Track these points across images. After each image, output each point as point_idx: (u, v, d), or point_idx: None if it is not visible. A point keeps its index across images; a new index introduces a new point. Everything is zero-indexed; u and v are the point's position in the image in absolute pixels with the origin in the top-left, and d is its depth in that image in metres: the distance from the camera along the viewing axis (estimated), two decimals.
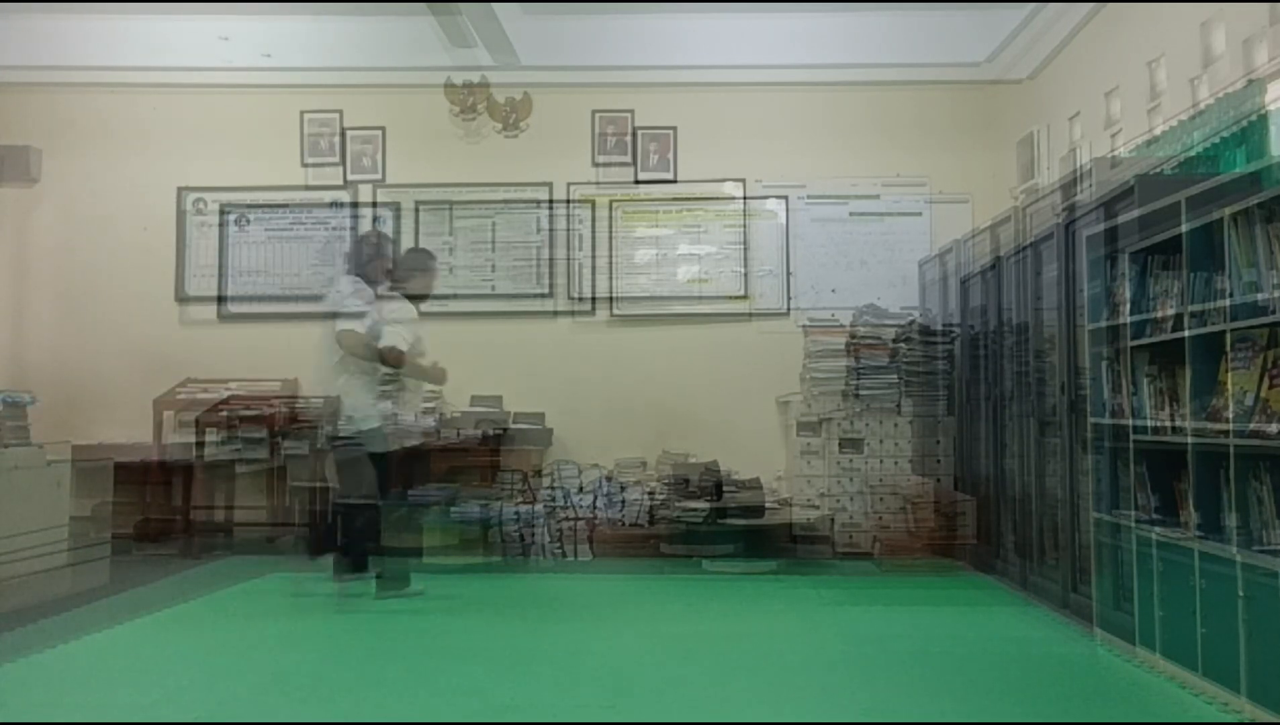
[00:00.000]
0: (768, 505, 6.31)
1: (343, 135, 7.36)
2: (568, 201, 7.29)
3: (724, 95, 7.27)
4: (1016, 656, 4.04)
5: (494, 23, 6.34)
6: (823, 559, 6.11)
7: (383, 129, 7.36)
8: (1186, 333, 3.52)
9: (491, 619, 4.76)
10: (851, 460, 6.29)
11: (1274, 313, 3.09)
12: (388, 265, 5.42)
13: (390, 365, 5.12)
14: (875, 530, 6.21)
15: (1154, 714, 3.30)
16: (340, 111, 7.36)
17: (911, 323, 6.46)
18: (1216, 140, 4.28)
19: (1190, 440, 3.50)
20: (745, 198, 7.27)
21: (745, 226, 7.27)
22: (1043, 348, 5.04)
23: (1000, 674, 3.78)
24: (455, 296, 7.20)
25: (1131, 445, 3.92)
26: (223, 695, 3.52)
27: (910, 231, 7.20)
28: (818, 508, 6.29)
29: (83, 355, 7.20)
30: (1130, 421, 3.94)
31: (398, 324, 5.15)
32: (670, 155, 7.31)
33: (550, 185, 7.29)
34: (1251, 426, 3.17)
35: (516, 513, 6.39)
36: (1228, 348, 3.31)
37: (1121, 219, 4.05)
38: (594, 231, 7.25)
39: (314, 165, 7.36)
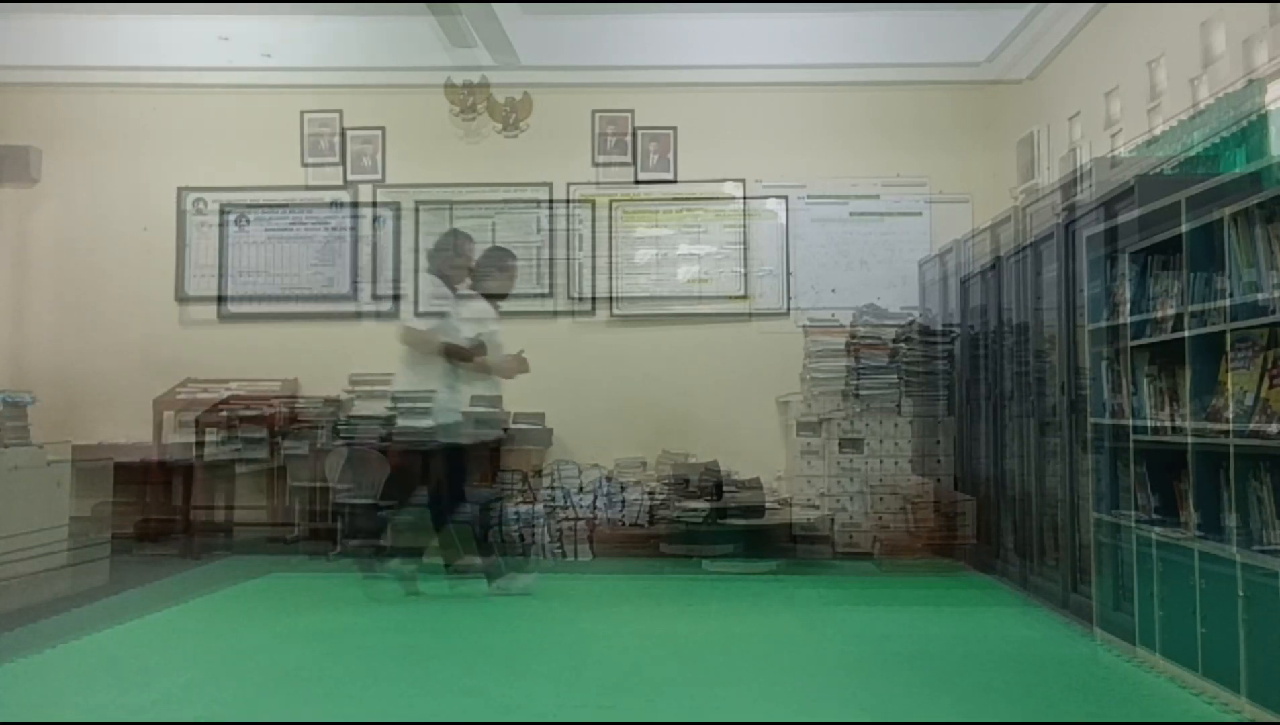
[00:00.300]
0: (768, 505, 6.31)
1: (343, 135, 7.37)
2: (568, 201, 7.29)
3: (724, 95, 7.27)
4: (1016, 656, 4.04)
5: (494, 23, 6.34)
6: (823, 559, 6.11)
7: (383, 129, 7.36)
8: (1186, 333, 3.52)
9: (492, 619, 4.75)
10: (851, 460, 6.29)
11: (1274, 313, 3.09)
12: (468, 265, 5.49)
13: (454, 359, 5.19)
14: (875, 530, 6.21)
15: (1154, 714, 3.29)
16: (340, 111, 7.36)
17: (911, 323, 6.46)
18: (1216, 140, 4.28)
19: (1190, 440, 3.50)
20: (745, 198, 7.27)
21: (745, 226, 7.27)
22: (1043, 348, 5.04)
23: (1000, 674, 3.78)
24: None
25: (1131, 445, 3.92)
26: (223, 695, 3.52)
27: (910, 231, 7.20)
28: (818, 508, 6.29)
29: (83, 355, 7.20)
30: (1130, 421, 3.94)
31: (470, 322, 5.25)
32: (670, 155, 7.32)
33: (550, 185, 7.29)
34: (1251, 426, 3.16)
35: (516, 513, 6.40)
36: (1228, 348, 3.31)
37: (1121, 219, 4.05)
38: (594, 231, 7.25)
39: (314, 165, 7.37)
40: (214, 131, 7.34)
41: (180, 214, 7.35)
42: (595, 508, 6.55)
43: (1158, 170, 4.48)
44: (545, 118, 7.33)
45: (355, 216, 7.33)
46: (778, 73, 7.12)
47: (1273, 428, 3.08)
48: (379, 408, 6.77)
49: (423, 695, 3.51)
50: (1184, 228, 3.53)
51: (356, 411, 6.77)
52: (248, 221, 7.35)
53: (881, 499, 6.25)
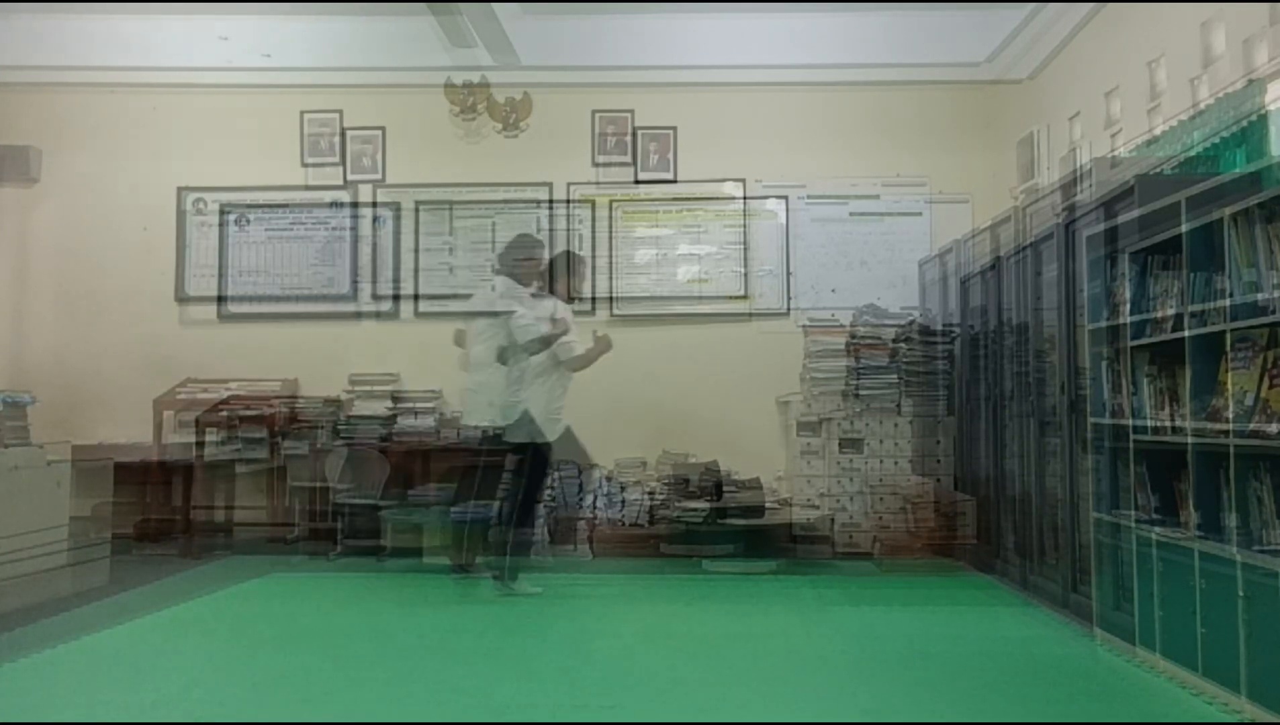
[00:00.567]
0: (768, 505, 6.31)
1: (343, 135, 7.36)
2: (568, 201, 7.29)
3: (724, 95, 7.27)
4: (1016, 656, 4.04)
5: (494, 23, 6.34)
6: (822, 559, 6.11)
7: (383, 129, 7.36)
8: (1186, 333, 3.52)
9: (492, 619, 4.75)
10: (851, 460, 6.29)
11: (1274, 313, 3.09)
12: (540, 267, 5.65)
13: (577, 369, 5.43)
14: (875, 530, 6.21)
15: (1154, 714, 3.30)
16: (340, 111, 7.36)
17: (911, 323, 6.46)
18: (1216, 140, 4.28)
19: (1190, 440, 3.50)
20: (745, 198, 7.27)
21: (745, 226, 7.27)
22: (1043, 348, 5.03)
23: (1000, 674, 3.78)
24: (455, 296, 7.21)
25: (1131, 445, 3.92)
26: (223, 695, 3.52)
27: (910, 231, 7.20)
28: (818, 508, 6.29)
29: (83, 355, 7.20)
30: (1130, 421, 3.94)
31: (544, 322, 5.38)
32: (670, 155, 7.32)
33: (550, 185, 7.29)
34: (1251, 426, 3.17)
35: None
36: (1228, 348, 3.31)
37: (1121, 219, 4.05)
38: (594, 231, 7.25)
39: (314, 165, 7.36)
40: (214, 131, 7.34)
41: (180, 214, 7.34)
42: (595, 508, 6.55)
43: (1158, 170, 4.48)
44: (545, 118, 7.32)
45: (355, 216, 7.33)
46: (778, 73, 7.12)
47: (1273, 428, 3.08)
48: (379, 408, 6.80)
49: (423, 695, 3.51)
50: (1184, 228, 3.53)
51: (356, 411, 6.78)
52: (248, 221, 7.35)
53: (881, 499, 6.25)
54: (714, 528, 6.07)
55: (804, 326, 6.71)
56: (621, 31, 6.56)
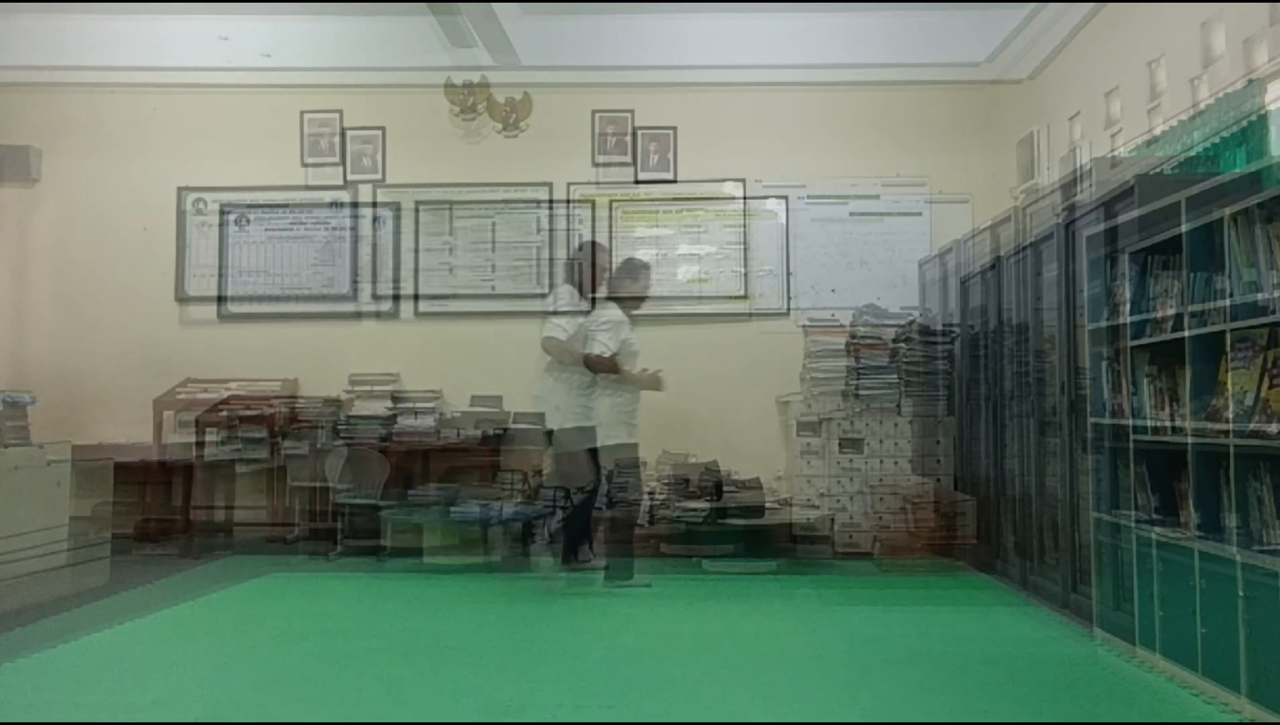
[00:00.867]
0: (768, 505, 6.30)
1: (343, 135, 7.37)
2: (568, 201, 7.29)
3: (724, 95, 7.27)
4: (1016, 656, 4.04)
5: (494, 23, 6.34)
6: (823, 559, 6.11)
7: (383, 129, 7.36)
8: (1186, 333, 3.52)
9: (491, 619, 4.75)
10: (851, 460, 6.29)
11: (1274, 313, 3.09)
12: (603, 274, 5.79)
13: (596, 370, 5.49)
14: (875, 530, 6.21)
15: (1154, 714, 3.29)
16: (340, 111, 7.36)
17: (911, 323, 6.46)
18: (1216, 140, 4.28)
19: (1190, 440, 3.50)
20: (745, 198, 7.27)
21: (745, 226, 7.27)
22: (1043, 348, 5.04)
23: (1000, 674, 3.78)
24: (455, 296, 7.22)
25: (1131, 445, 3.92)
26: (223, 695, 3.52)
27: (910, 231, 7.20)
28: (818, 508, 6.29)
29: (83, 355, 7.20)
30: (1130, 421, 3.94)
31: (604, 331, 5.49)
32: (670, 155, 7.32)
33: (550, 185, 7.29)
34: (1251, 426, 3.17)
35: (516, 513, 6.39)
36: (1228, 348, 3.31)
37: (1121, 219, 4.05)
38: (594, 231, 7.24)
39: (314, 165, 7.37)
40: (214, 131, 7.34)
41: (180, 214, 7.35)
42: (595, 507, 6.53)
43: (1158, 170, 4.48)
44: (545, 118, 7.32)
45: (355, 216, 7.33)
46: (778, 73, 7.12)
47: (1273, 428, 3.08)
48: (379, 408, 6.80)
49: (423, 695, 3.51)
50: (1184, 228, 3.53)
51: (356, 411, 6.78)
52: (248, 221, 7.35)
53: (881, 499, 6.25)
54: (714, 528, 6.07)
55: (804, 326, 6.72)
56: (621, 31, 6.56)
